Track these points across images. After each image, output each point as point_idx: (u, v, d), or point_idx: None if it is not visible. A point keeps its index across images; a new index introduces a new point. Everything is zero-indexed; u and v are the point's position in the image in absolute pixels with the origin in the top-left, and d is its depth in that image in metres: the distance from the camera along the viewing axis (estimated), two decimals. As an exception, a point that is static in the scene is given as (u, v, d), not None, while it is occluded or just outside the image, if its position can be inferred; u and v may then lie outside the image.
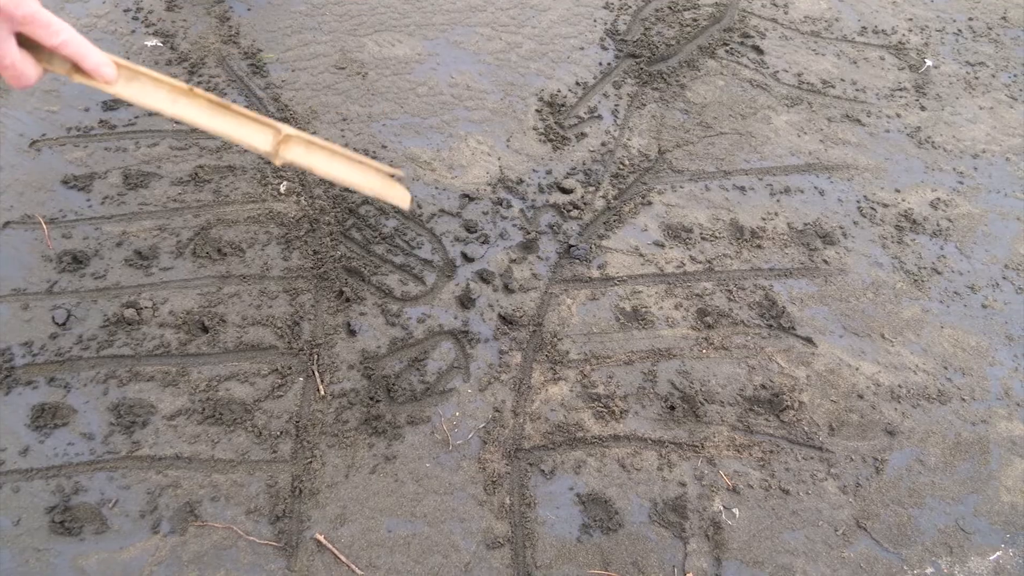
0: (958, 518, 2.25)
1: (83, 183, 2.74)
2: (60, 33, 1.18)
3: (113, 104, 3.01)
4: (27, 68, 1.18)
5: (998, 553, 2.20)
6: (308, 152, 1.47)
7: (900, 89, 3.54)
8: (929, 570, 2.15)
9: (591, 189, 2.95)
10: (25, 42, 1.18)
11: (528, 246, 2.73)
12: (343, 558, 2.01)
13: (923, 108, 3.51)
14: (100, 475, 2.10)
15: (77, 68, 1.23)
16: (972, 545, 2.21)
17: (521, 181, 2.95)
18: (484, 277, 2.63)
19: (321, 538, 2.04)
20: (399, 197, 1.56)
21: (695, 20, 3.68)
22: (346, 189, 2.82)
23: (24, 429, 2.15)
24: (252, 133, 1.42)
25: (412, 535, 2.07)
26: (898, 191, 3.12)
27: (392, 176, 1.55)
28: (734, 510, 2.18)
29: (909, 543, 2.19)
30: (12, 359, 2.28)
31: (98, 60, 1.23)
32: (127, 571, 1.95)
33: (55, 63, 1.23)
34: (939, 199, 3.11)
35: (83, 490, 2.07)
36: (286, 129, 1.42)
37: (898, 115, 3.45)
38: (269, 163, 2.89)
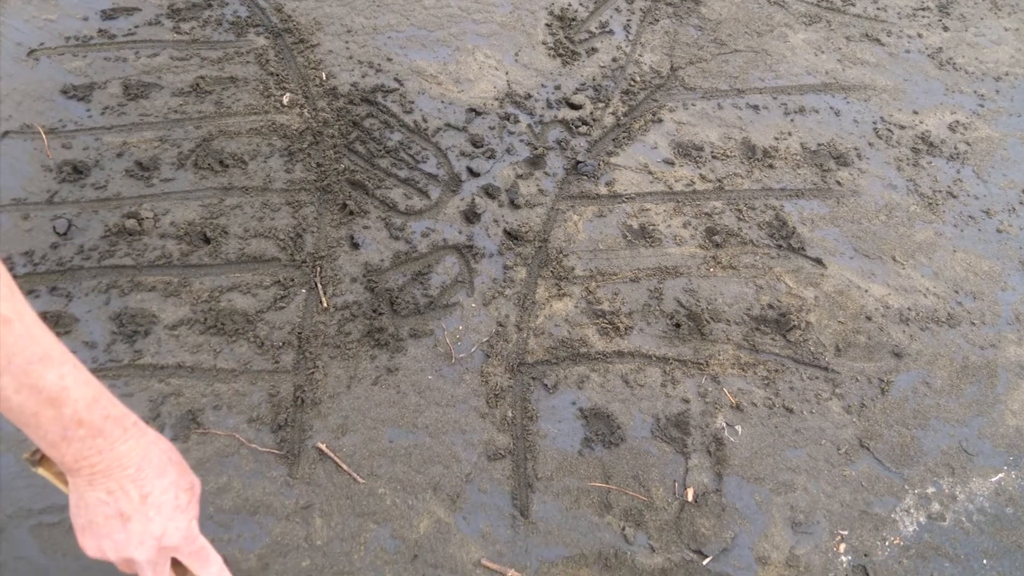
0: (962, 440, 2.26)
1: (83, 93, 2.71)
2: (211, 566, 1.27)
3: (112, 13, 2.98)
4: None
5: (1000, 475, 2.21)
6: None
7: (923, 8, 3.47)
8: (930, 490, 2.17)
9: (600, 105, 2.92)
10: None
11: (535, 162, 2.71)
12: (344, 466, 2.04)
13: (946, 28, 3.44)
14: (103, 383, 2.11)
15: None
16: (975, 467, 2.22)
17: (529, 96, 2.91)
18: (490, 192, 2.61)
19: (323, 447, 2.06)
20: None
21: (712, -67, 3.60)
22: (351, 101, 2.80)
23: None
24: None
25: (413, 445, 2.09)
26: (916, 113, 3.08)
27: None
28: (737, 427, 2.20)
29: (911, 463, 2.20)
30: (13, 268, 2.28)
31: None
32: (130, 476, 1.98)
33: None
34: (958, 122, 3.07)
35: (86, 397, 2.09)
36: None
37: (919, 35, 3.38)
38: (273, 74, 2.86)
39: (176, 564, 1.28)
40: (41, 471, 1.16)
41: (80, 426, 1.04)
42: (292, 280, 2.35)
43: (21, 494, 1.93)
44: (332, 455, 2.06)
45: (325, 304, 2.31)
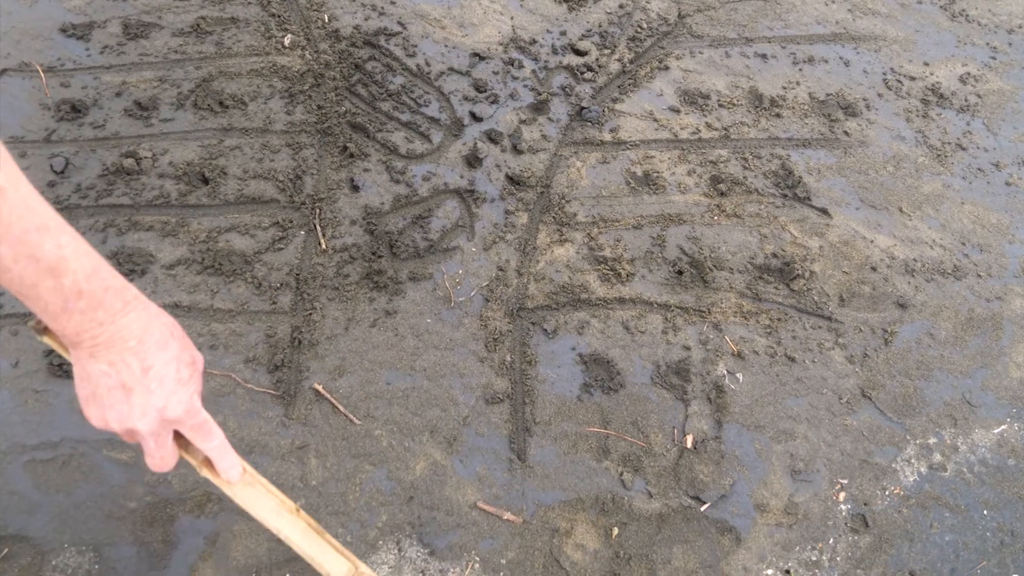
0: (965, 391, 2.21)
1: (82, 32, 2.64)
2: (213, 439, 1.27)
3: (113, -49, 2.89)
4: (173, 459, 1.26)
5: (1003, 427, 2.17)
6: None
7: (936, -42, 3.36)
8: (932, 440, 2.12)
9: (606, 52, 2.83)
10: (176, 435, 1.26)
11: (539, 107, 2.64)
12: (341, 408, 2.00)
13: (959, -20, 3.33)
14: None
15: (208, 464, 1.31)
16: (977, 418, 2.18)
17: (534, 42, 2.83)
18: (492, 137, 2.54)
19: (319, 388, 2.02)
20: None
21: None
22: (353, 44, 2.72)
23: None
24: (333, 561, 1.49)
25: (411, 388, 2.05)
26: (927, 64, 2.99)
27: None
28: (738, 375, 2.15)
29: (914, 414, 2.16)
30: (10, 205, 2.22)
31: (229, 465, 1.31)
32: (125, 413, 1.94)
33: (191, 453, 1.31)
34: (969, 74, 2.98)
35: (81, 335, 2.04)
36: (363, 567, 1.49)
37: (932, -14, 3.29)
38: (274, 15, 2.78)
39: (179, 436, 1.27)
40: (46, 339, 1.16)
41: (80, 297, 1.02)
42: (291, 222, 2.29)
43: (15, 430, 1.89)
44: (329, 396, 2.01)
45: (324, 246, 2.26)
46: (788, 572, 1.89)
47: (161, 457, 1.22)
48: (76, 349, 1.09)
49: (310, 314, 2.13)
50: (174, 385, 1.16)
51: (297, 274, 2.20)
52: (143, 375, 1.11)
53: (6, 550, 1.76)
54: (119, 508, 1.83)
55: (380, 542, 1.84)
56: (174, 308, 2.10)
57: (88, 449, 1.89)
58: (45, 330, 1.14)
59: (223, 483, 1.34)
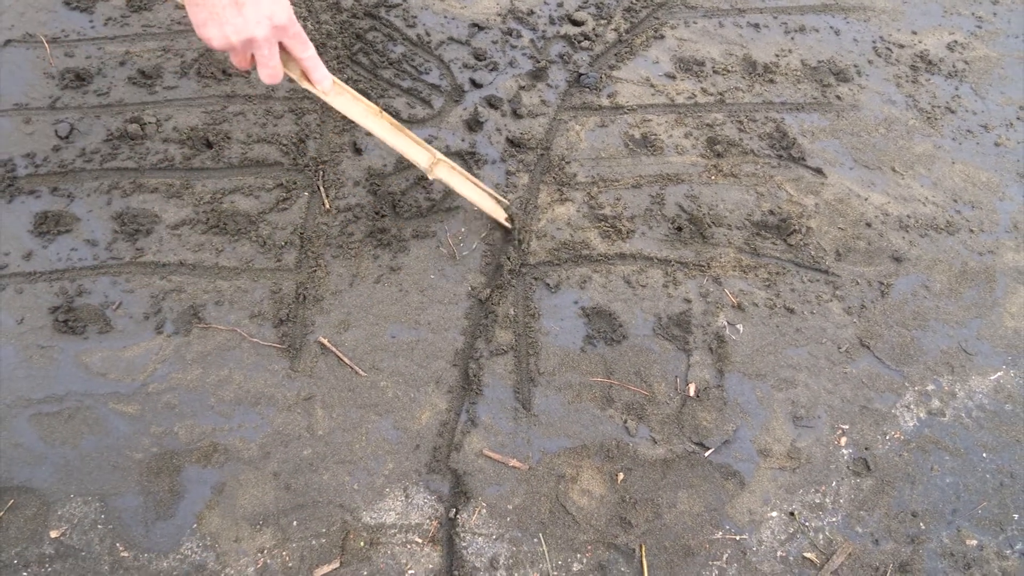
0: (961, 340, 2.15)
1: (85, 4, 2.55)
2: (308, 49, 1.48)
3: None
4: (281, 69, 1.47)
5: (999, 373, 2.10)
6: (450, 174, 1.94)
7: (921, -67, 3.30)
8: (930, 387, 2.05)
9: (603, 22, 2.76)
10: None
11: (537, 74, 2.56)
12: (346, 360, 1.92)
13: (944, -46, 3.27)
14: (104, 279, 1.99)
15: (305, 76, 1.52)
16: (974, 365, 2.11)
17: (531, 12, 2.76)
18: (492, 102, 2.47)
19: (325, 341, 1.94)
20: (502, 217, 2.11)
21: None
22: (354, 15, 2.64)
23: (27, 235, 2.04)
24: (416, 152, 1.82)
25: (416, 341, 1.98)
26: (915, 33, 2.92)
27: (500, 202, 2.11)
28: (738, 326, 2.08)
29: (911, 362, 2.09)
30: (15, 170, 2.15)
31: (322, 75, 1.54)
32: (130, 367, 1.87)
33: (291, 68, 1.51)
34: (956, 41, 2.92)
35: (86, 292, 1.97)
36: (439, 155, 1.86)
37: (918, -40, 3.22)
38: None
39: (284, 54, 1.48)
40: None
41: None
42: (295, 183, 2.21)
43: (20, 384, 1.81)
44: (334, 349, 1.94)
45: (327, 206, 2.18)
46: (792, 514, 1.83)
47: (273, 66, 1.42)
48: None
49: (315, 271, 2.06)
50: None
51: (301, 233, 2.12)
52: None
53: (11, 501, 1.69)
54: (125, 459, 1.76)
55: (387, 489, 1.77)
56: (179, 266, 2.03)
57: (94, 402, 1.81)
58: None
59: (319, 92, 1.55)
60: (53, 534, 1.66)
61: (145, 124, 2.28)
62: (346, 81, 2.43)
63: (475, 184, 2.02)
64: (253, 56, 1.42)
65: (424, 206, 2.21)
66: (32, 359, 1.86)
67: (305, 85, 1.52)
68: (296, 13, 2.55)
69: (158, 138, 2.26)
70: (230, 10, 1.28)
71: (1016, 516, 1.89)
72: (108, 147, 2.22)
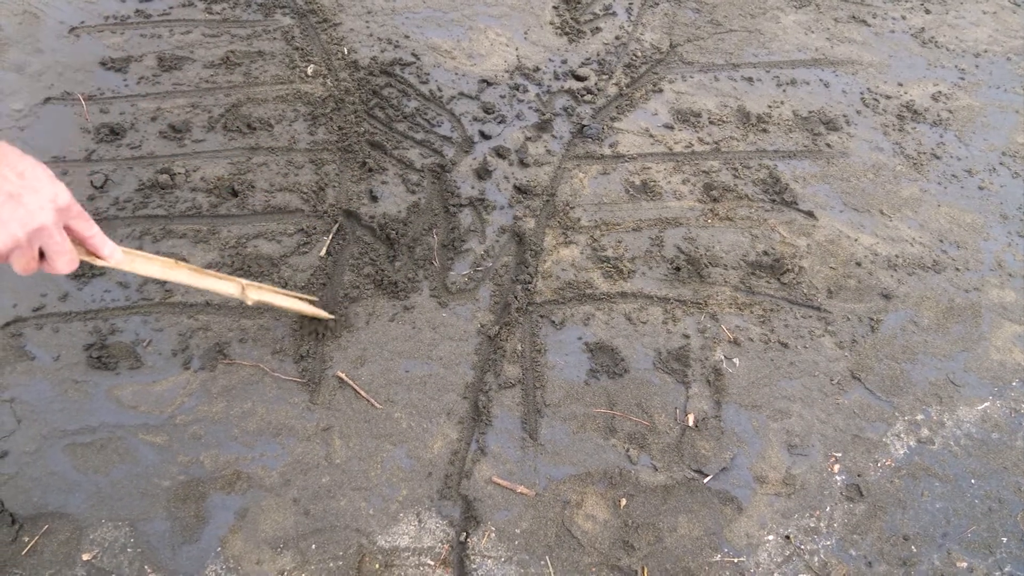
0: (949, 372, 2.20)
1: (120, 65, 2.68)
2: (93, 227, 1.32)
3: (149, -5, 2.96)
4: (76, 254, 1.29)
5: (986, 404, 2.15)
6: (262, 294, 1.86)
7: (905, -8, 3.42)
8: (920, 417, 2.10)
9: (604, 77, 2.87)
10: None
11: (543, 126, 2.67)
12: (363, 393, 1.99)
13: (927, 11, 3.38)
14: (135, 319, 2.08)
15: (93, 254, 1.37)
16: (961, 396, 2.16)
17: (537, 69, 2.87)
18: (500, 152, 2.57)
19: (342, 375, 2.02)
20: (323, 314, 2.07)
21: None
22: (371, 72, 2.76)
23: (63, 278, 2.13)
24: (224, 286, 1.75)
25: (428, 375, 2.05)
26: (901, 85, 3.02)
27: (313, 302, 2.07)
28: (735, 359, 2.14)
29: (901, 393, 2.14)
30: (53, 217, 2.24)
31: (111, 249, 1.39)
32: (160, 401, 1.94)
33: (78, 250, 1.35)
34: (940, 92, 3.01)
35: (119, 331, 2.05)
36: (244, 281, 1.80)
37: (903, 17, 3.33)
38: (298, 49, 2.82)
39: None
40: None
41: None
42: (315, 228, 2.31)
43: (56, 416, 1.89)
44: (351, 383, 2.01)
45: (323, 253, 2.26)
46: (788, 538, 1.87)
47: (69, 250, 1.24)
48: None
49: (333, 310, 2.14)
50: (50, 180, 1.17)
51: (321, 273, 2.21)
52: (21, 179, 1.13)
53: (46, 526, 1.75)
54: (153, 486, 1.82)
55: (401, 514, 1.83)
56: (205, 306, 2.11)
57: (124, 433, 1.88)
58: None
59: (113, 264, 1.43)
60: (85, 557, 1.72)
61: (175, 175, 2.38)
62: (363, 133, 2.54)
63: (286, 295, 1.97)
64: (40, 251, 1.23)
65: (435, 246, 2.29)
66: (67, 393, 1.93)
67: (95, 262, 1.40)
68: (316, 72, 2.68)
69: (187, 187, 2.36)
70: (7, 205, 1.12)
71: (1005, 539, 1.92)
72: (140, 196, 2.32)
